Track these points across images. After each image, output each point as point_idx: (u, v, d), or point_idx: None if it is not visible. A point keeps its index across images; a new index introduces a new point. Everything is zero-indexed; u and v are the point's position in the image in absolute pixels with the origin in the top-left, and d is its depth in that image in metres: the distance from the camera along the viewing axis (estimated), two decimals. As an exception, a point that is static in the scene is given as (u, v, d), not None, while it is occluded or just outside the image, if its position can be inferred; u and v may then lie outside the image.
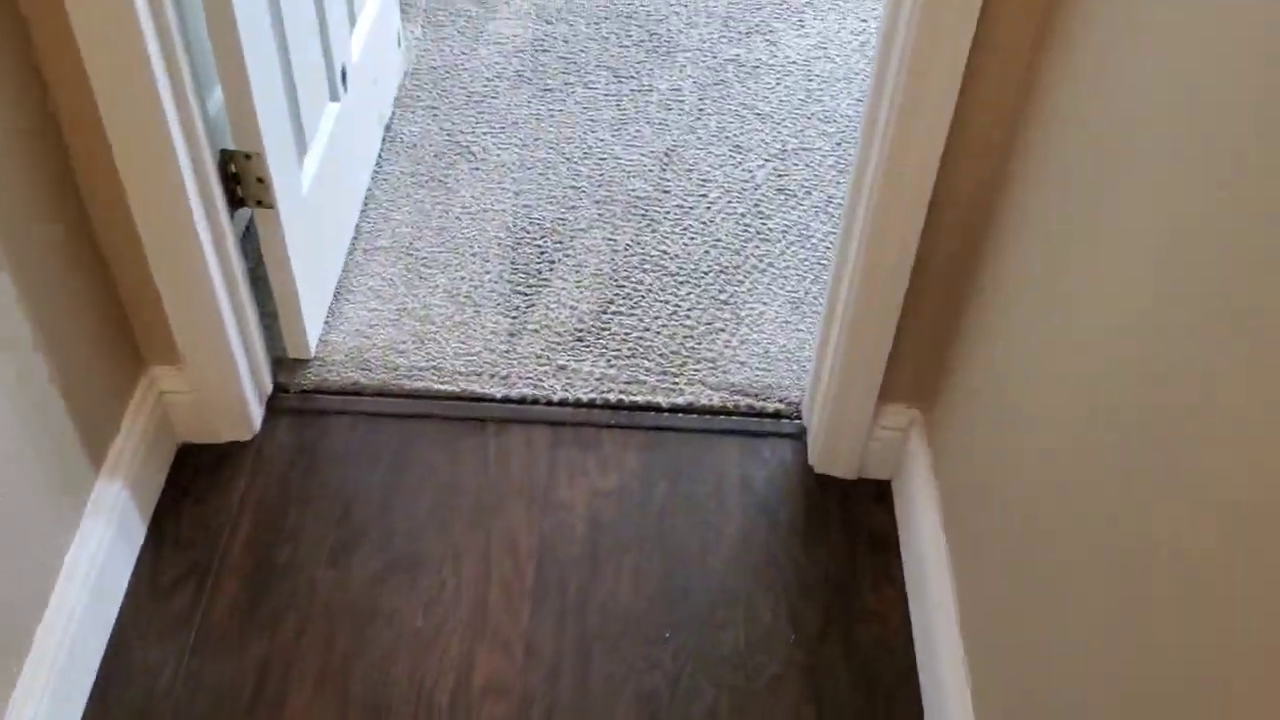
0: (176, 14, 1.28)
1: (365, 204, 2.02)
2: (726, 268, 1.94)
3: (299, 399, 1.72)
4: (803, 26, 2.47)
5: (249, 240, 1.83)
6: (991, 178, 1.32)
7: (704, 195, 2.07)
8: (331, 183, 1.80)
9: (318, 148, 1.73)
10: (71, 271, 1.37)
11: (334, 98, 1.81)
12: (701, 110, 2.25)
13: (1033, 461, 1.13)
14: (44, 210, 1.30)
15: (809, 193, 2.08)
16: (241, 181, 1.52)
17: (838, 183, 2.09)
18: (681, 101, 2.27)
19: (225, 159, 1.49)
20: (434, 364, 1.77)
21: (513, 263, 1.94)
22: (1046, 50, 1.18)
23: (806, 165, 2.14)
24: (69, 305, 1.37)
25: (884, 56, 1.30)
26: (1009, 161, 1.28)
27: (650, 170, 2.12)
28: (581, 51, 2.38)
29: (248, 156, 1.49)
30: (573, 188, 2.08)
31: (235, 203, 1.53)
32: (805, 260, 1.96)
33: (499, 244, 1.97)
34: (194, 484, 1.63)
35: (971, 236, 1.38)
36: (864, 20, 2.48)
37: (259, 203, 1.54)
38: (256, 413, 1.68)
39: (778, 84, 2.32)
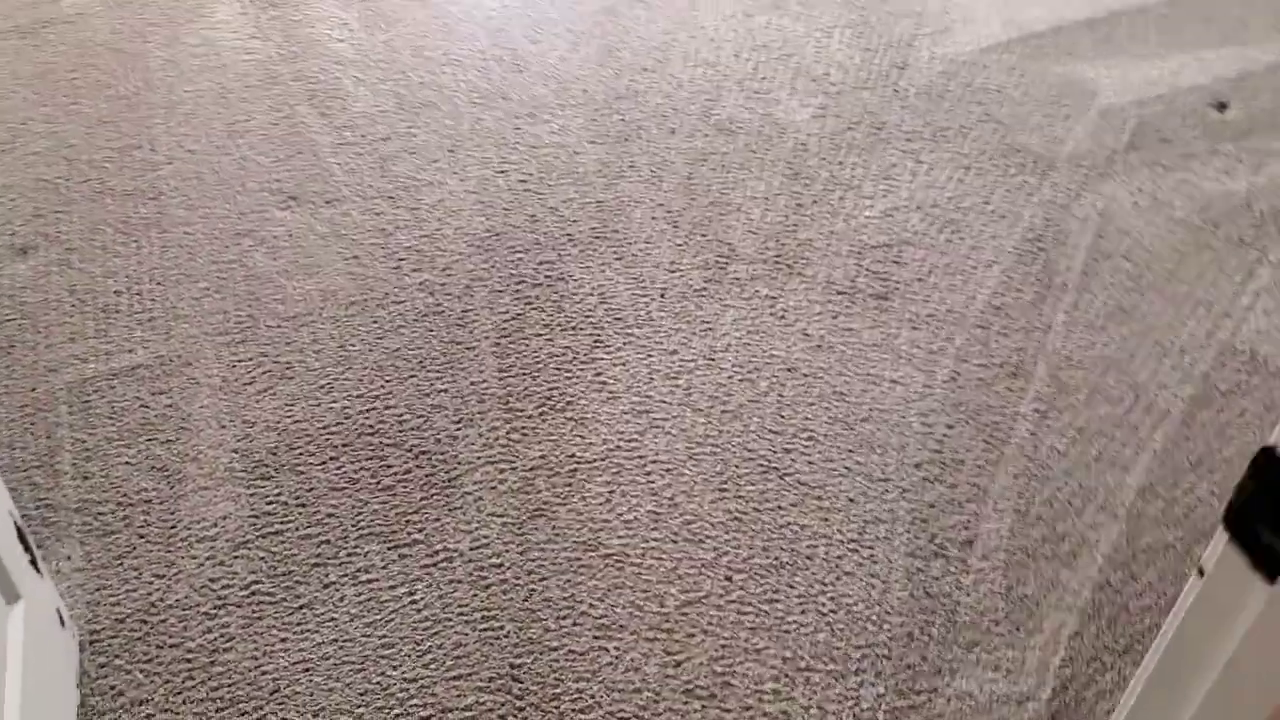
0: None
1: None
2: None
3: None
4: (604, 385, 1.87)
5: None
6: None
7: (592, 738, 1.43)
8: None
9: None
10: None
11: None
12: (531, 574, 1.61)
13: None
14: None
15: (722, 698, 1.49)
16: None
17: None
18: (499, 564, 1.62)
19: None
20: None
21: None
22: None
23: (709, 632, 1.54)
24: None
25: None
26: None
27: (501, 716, 1.45)
28: (330, 516, 1.67)
29: None
30: (403, 792, 1.38)
31: None
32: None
33: None
34: None
35: None
36: (673, 353, 1.92)
37: None
38: None
39: (611, 493, 1.71)
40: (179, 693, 1.46)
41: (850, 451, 1.78)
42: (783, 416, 1.83)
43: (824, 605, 1.57)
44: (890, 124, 2.45)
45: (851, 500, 1.71)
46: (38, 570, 1.39)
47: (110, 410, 1.81)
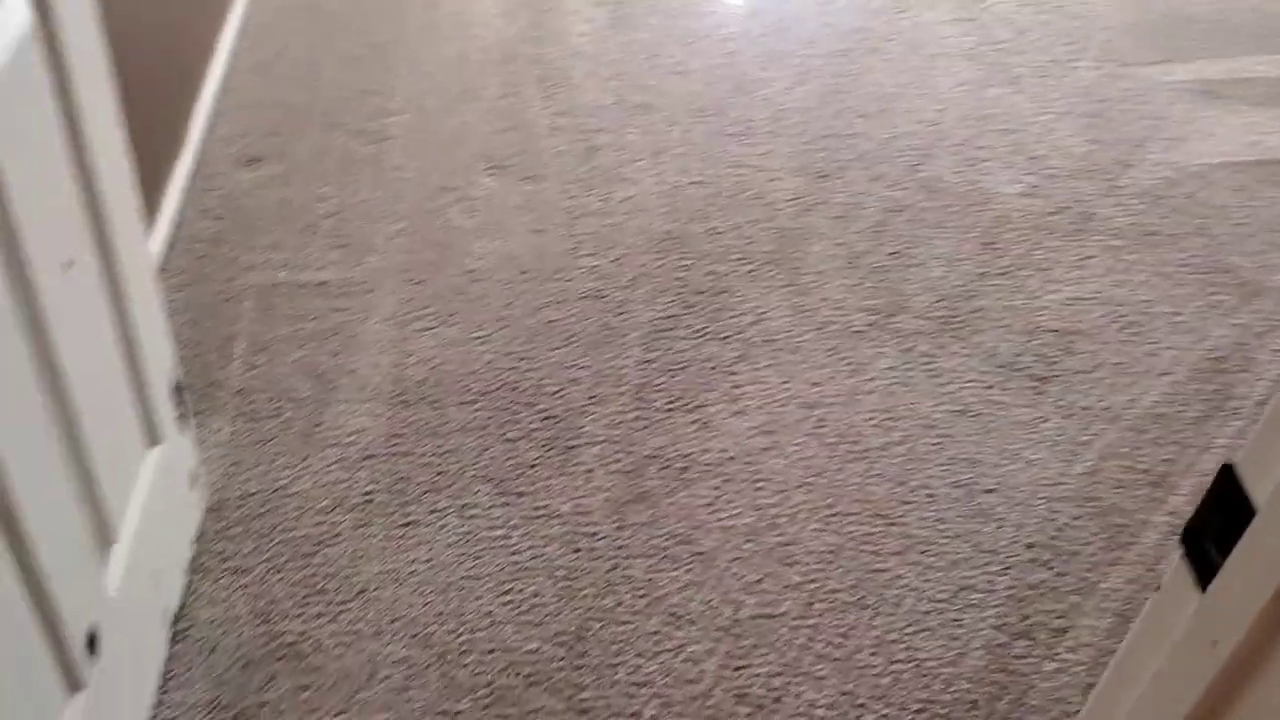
0: None
1: (136, 775, 1.36)
2: None
3: None
4: (738, 397, 1.91)
5: None
6: None
7: (654, 719, 1.47)
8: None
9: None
10: None
11: (75, 688, 1.16)
12: (620, 549, 1.66)
13: None
14: None
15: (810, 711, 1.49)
16: None
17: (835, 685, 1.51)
18: (594, 533, 1.67)
19: None
20: None
21: None
22: None
23: (775, 648, 1.55)
24: None
25: None
26: None
27: (559, 670, 1.50)
28: (453, 451, 1.77)
29: None
30: (448, 715, 1.45)
31: None
32: (789, 839, 1.36)
33: (340, 841, 1.32)
34: None
35: None
36: (816, 385, 1.94)
37: None
38: None
39: (717, 497, 1.74)
40: (278, 571, 1.58)
41: (965, 518, 1.75)
42: (908, 469, 1.82)
43: (896, 653, 1.56)
44: (1099, 217, 2.40)
45: (954, 563, 1.69)
46: (184, 430, 1.52)
47: (289, 315, 1.96)
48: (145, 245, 1.36)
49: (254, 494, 1.67)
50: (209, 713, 1.42)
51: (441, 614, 1.55)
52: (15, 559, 1.03)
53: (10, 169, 0.99)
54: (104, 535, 1.24)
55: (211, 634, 1.50)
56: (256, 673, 1.47)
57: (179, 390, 1.50)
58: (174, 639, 1.48)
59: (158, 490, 1.40)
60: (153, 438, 1.40)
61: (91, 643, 1.18)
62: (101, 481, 1.21)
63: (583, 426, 1.83)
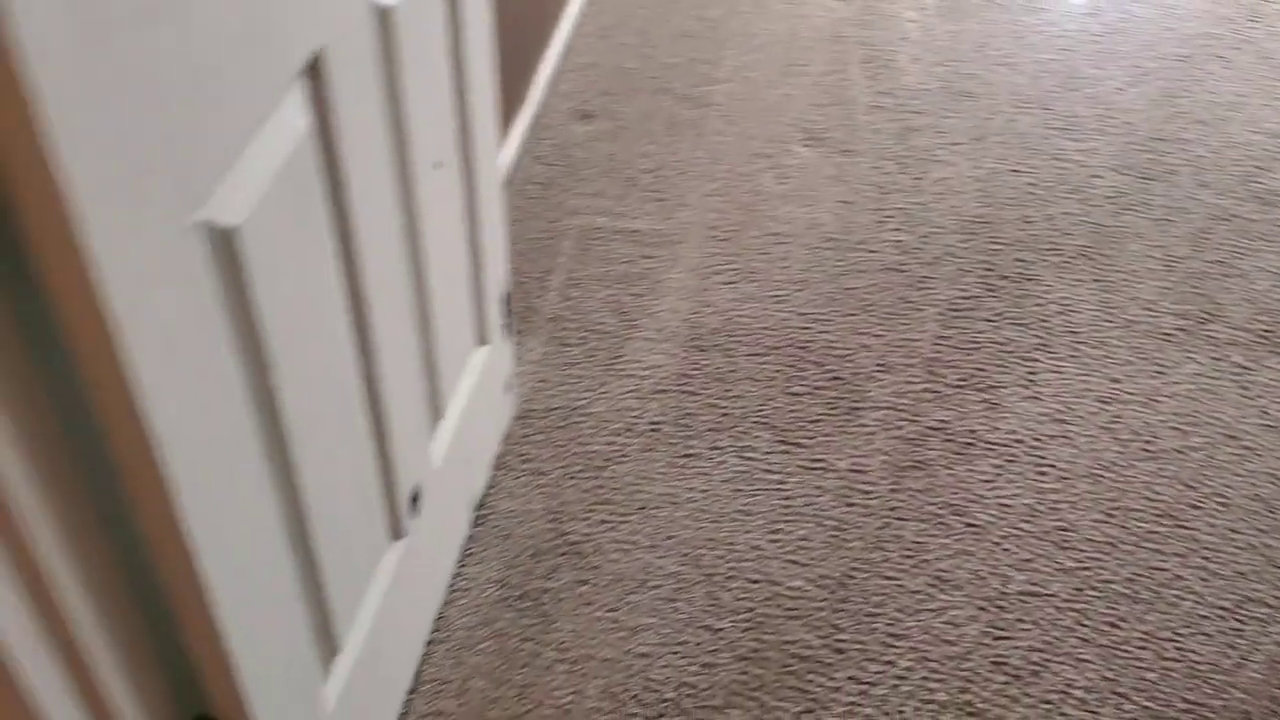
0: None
1: (434, 630, 1.52)
2: (916, 805, 1.36)
3: None
4: (1032, 382, 1.89)
5: None
6: None
7: (909, 670, 1.50)
8: (378, 654, 1.30)
9: (360, 631, 1.23)
10: None
11: (396, 536, 1.32)
12: (893, 510, 1.69)
13: None
14: None
15: (1059, 668, 1.49)
16: (213, 754, 1.02)
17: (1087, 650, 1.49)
18: (868, 490, 1.71)
19: (188, 732, 0.99)
20: None
21: (616, 760, 1.40)
22: None
23: (1039, 625, 1.55)
24: None
25: None
26: None
27: (819, 610, 1.56)
28: (739, 397, 1.85)
29: (220, 735, 0.99)
30: (710, 630, 1.53)
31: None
32: (1031, 807, 1.36)
33: (601, 722, 1.43)
34: None
35: None
36: (1116, 381, 1.90)
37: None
38: None
39: (998, 475, 1.74)
40: (570, 477, 1.71)
41: (1261, 532, 1.68)
42: (1203, 475, 1.76)
43: (1167, 651, 1.52)
44: None
45: (1241, 573, 1.62)
46: (506, 339, 1.68)
47: (603, 257, 2.10)
48: (497, 162, 1.51)
49: (556, 409, 1.82)
50: (499, 589, 1.57)
51: (712, 540, 1.64)
52: (371, 411, 1.19)
53: (410, 80, 1.14)
54: (436, 408, 1.40)
55: (507, 523, 1.65)
56: (543, 562, 1.60)
57: (507, 302, 1.65)
58: (475, 521, 1.64)
59: (480, 385, 1.55)
60: (482, 336, 1.56)
61: (415, 500, 1.34)
62: (441, 360, 1.37)
63: (868, 391, 1.87)
